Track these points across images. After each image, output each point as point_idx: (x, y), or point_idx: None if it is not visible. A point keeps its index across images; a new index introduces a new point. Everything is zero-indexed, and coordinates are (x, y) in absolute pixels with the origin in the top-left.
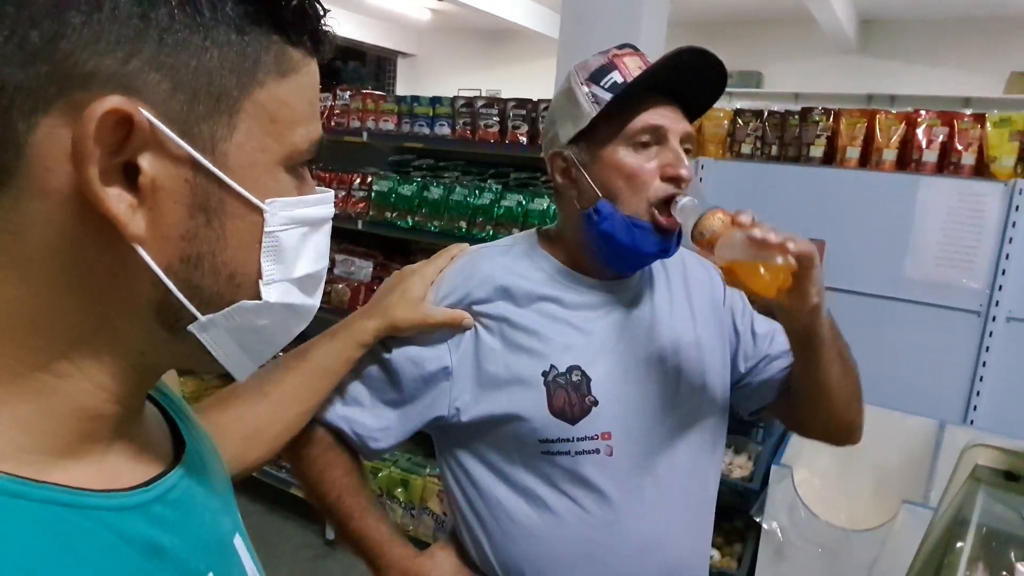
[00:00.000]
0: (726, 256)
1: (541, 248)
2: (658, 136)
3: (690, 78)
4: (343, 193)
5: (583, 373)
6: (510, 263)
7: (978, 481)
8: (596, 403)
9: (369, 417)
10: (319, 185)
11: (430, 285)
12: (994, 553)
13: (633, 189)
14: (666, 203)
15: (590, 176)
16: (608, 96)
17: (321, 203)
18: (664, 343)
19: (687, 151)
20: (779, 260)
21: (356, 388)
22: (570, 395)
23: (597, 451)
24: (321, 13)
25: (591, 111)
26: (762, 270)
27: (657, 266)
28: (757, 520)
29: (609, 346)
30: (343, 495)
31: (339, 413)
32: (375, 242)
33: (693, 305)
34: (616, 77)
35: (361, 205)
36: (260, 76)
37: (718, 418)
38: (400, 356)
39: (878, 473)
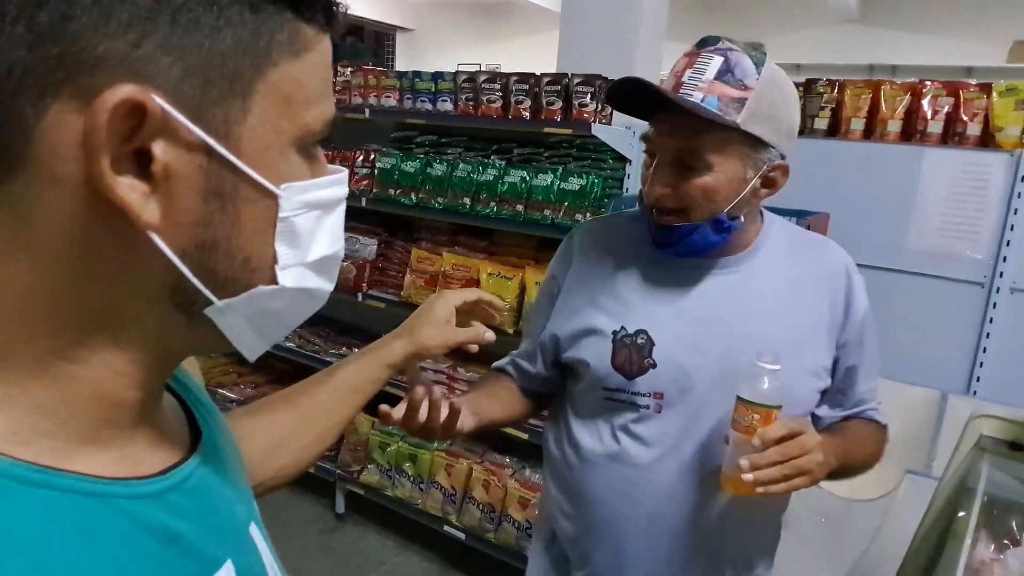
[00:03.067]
0: (732, 462)
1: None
2: (653, 150)
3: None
4: (345, 171)
5: (648, 338)
6: (615, 229)
7: (983, 451)
8: (655, 366)
9: (526, 344)
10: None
11: (454, 308)
12: (998, 522)
13: (643, 187)
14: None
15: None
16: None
17: (335, 184)
18: (748, 324)
19: (690, 167)
20: (749, 478)
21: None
22: (632, 354)
23: (648, 407)
24: None
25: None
26: (735, 478)
27: (784, 253)
28: None
29: (685, 318)
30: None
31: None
32: (379, 219)
33: (808, 300)
34: (664, 75)
35: (364, 182)
36: (274, 56)
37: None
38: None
39: None
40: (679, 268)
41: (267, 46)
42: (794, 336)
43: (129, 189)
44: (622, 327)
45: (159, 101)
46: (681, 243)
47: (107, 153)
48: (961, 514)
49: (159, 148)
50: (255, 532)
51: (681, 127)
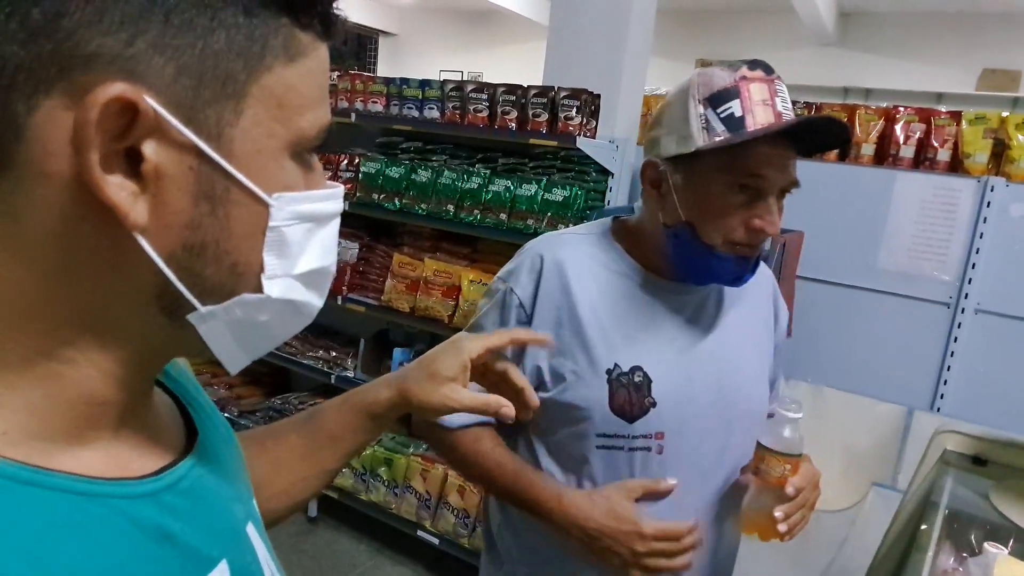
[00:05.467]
0: (760, 509)
1: (615, 242)
2: (759, 185)
3: (815, 126)
4: (329, 174)
5: (645, 374)
6: (585, 253)
7: (947, 465)
8: (655, 404)
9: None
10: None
11: (467, 363)
12: (960, 534)
13: (716, 227)
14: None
15: (679, 199)
16: (721, 130)
17: (329, 199)
18: (727, 348)
19: (787, 192)
20: (784, 529)
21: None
22: (631, 395)
23: (648, 449)
24: None
25: (699, 140)
26: (765, 525)
27: None
28: None
29: (675, 347)
30: (500, 460)
31: None
32: (362, 223)
33: (755, 313)
34: (735, 109)
35: (348, 186)
36: (268, 60)
37: (761, 423)
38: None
39: (848, 456)
40: (657, 294)
41: (261, 50)
42: (760, 350)
43: (118, 188)
44: (615, 364)
45: (151, 101)
46: (753, 271)
47: (96, 150)
48: (924, 527)
49: (150, 148)
50: (252, 531)
51: (791, 157)
